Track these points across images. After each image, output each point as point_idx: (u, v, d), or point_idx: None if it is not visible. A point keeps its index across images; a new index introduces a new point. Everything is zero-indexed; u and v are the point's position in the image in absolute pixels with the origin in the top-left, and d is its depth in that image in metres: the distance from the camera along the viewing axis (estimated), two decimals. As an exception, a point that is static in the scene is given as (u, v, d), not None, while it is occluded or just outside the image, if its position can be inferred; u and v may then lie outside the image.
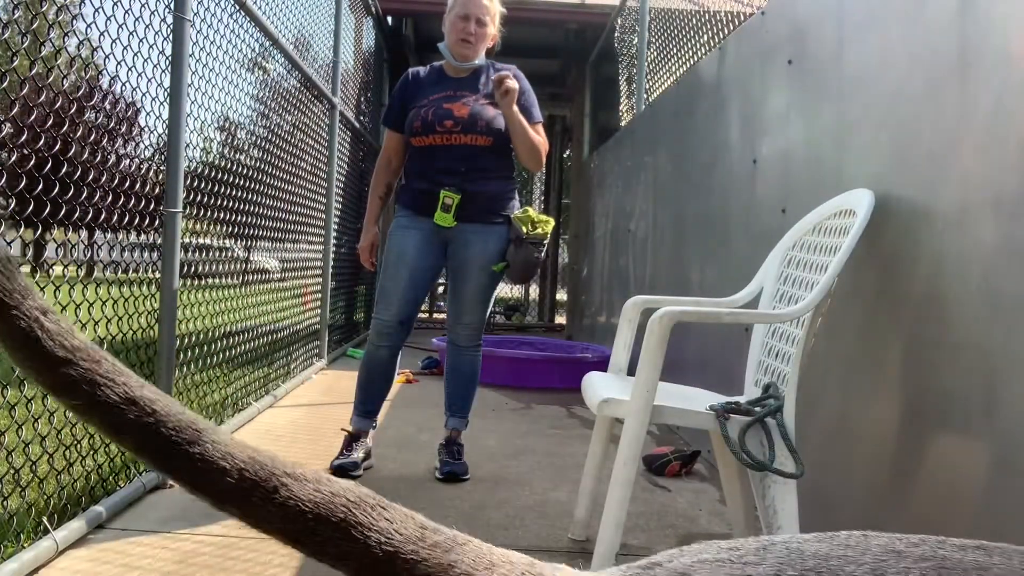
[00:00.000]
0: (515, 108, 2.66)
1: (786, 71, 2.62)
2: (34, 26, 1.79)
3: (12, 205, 1.96)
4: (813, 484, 2.07)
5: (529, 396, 4.58)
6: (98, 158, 2.19)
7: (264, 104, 3.85)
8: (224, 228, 3.29)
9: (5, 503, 1.89)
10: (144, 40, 2.33)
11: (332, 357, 5.52)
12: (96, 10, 2.06)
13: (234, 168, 3.29)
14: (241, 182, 3.37)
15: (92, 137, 2.15)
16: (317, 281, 5.16)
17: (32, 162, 1.84)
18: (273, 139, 3.89)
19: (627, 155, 5.52)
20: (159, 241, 2.49)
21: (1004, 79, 1.52)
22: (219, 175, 3.09)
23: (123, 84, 2.28)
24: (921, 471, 1.70)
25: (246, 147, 3.62)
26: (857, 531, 0.54)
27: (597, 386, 2.00)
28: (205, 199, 2.96)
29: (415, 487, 2.62)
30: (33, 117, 1.82)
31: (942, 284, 1.67)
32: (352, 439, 2.80)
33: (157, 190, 2.52)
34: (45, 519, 1.89)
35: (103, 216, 2.19)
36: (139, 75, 2.32)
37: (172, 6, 2.44)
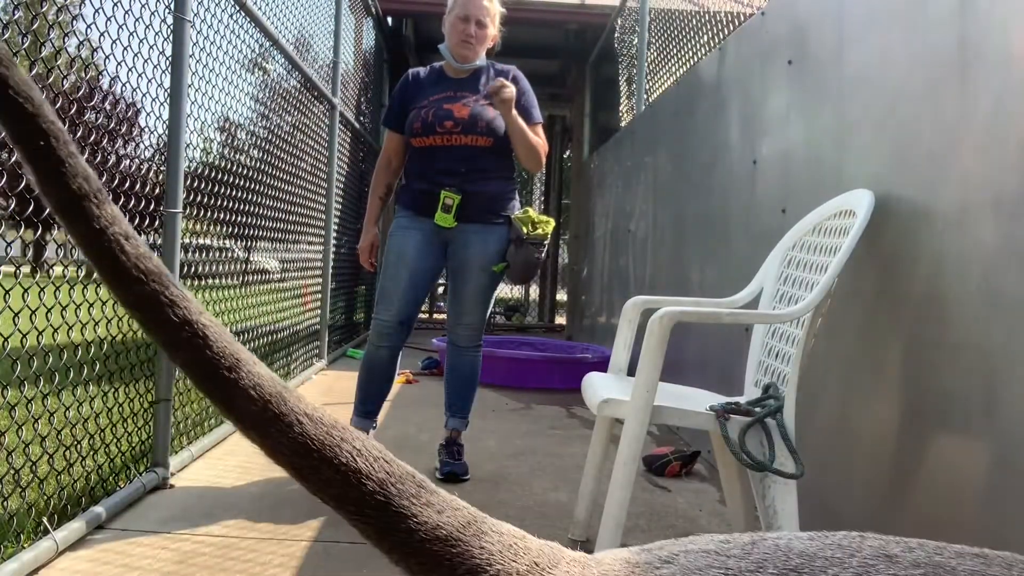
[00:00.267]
0: (514, 113, 2.65)
1: (786, 71, 2.62)
2: (34, 26, 1.79)
3: (12, 205, 1.96)
4: (813, 484, 2.06)
5: (529, 396, 4.58)
6: (98, 159, 2.19)
7: (264, 104, 3.85)
8: (224, 228, 3.29)
9: (5, 503, 1.89)
10: (144, 40, 2.33)
11: (332, 357, 5.52)
12: (96, 10, 2.06)
13: (234, 168, 3.29)
14: (241, 182, 3.37)
15: (92, 138, 2.15)
16: (317, 281, 5.16)
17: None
18: (273, 139, 3.89)
19: (627, 155, 5.52)
20: (159, 241, 2.49)
21: (1004, 79, 1.52)
22: (219, 175, 3.09)
23: (123, 84, 2.28)
24: (921, 471, 1.70)
25: (246, 147, 3.62)
26: (856, 532, 0.53)
27: (597, 386, 2.00)
28: (205, 199, 2.96)
29: (415, 487, 2.62)
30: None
31: (942, 284, 1.67)
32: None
33: (157, 190, 2.52)
34: (45, 519, 1.89)
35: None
36: (139, 75, 2.32)
37: (172, 6, 2.44)
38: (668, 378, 2.08)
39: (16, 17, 1.76)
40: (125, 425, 2.42)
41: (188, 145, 2.55)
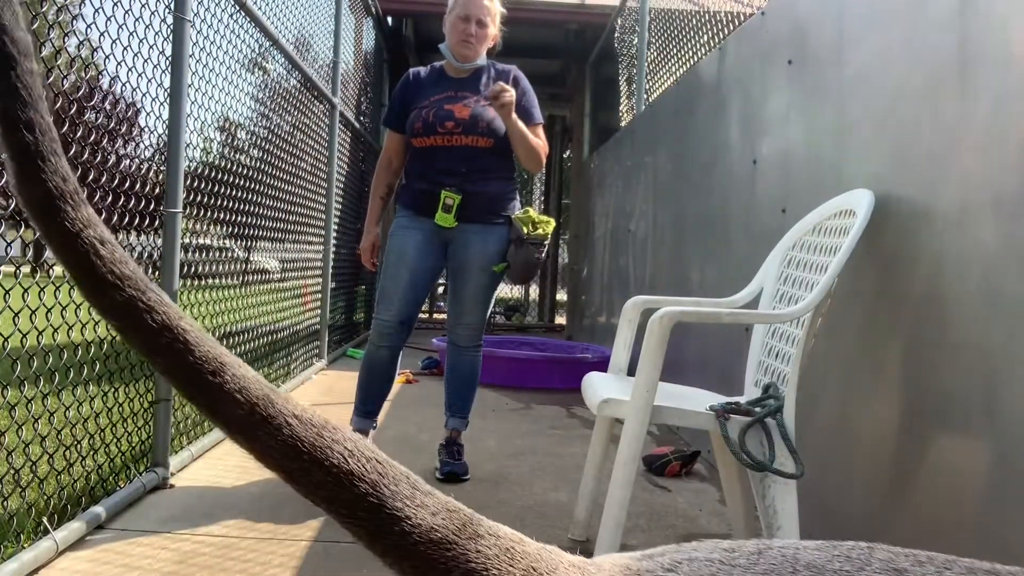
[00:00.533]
0: (514, 116, 2.65)
1: (786, 71, 2.62)
2: (34, 26, 1.79)
3: (12, 205, 1.96)
4: (813, 484, 2.06)
5: (529, 396, 4.58)
6: (98, 158, 2.19)
7: (264, 104, 3.85)
8: (224, 228, 3.29)
9: (5, 503, 1.89)
10: (144, 40, 2.33)
11: (332, 357, 5.52)
12: (96, 10, 2.06)
13: (234, 168, 3.29)
14: (241, 182, 3.37)
15: (92, 137, 2.15)
16: (317, 281, 5.16)
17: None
18: (273, 139, 3.89)
19: (627, 155, 5.52)
20: (159, 242, 2.49)
21: (1004, 79, 1.52)
22: (219, 175, 3.09)
23: (123, 84, 2.28)
24: (921, 471, 1.70)
25: (246, 147, 3.62)
26: (865, 543, 0.52)
27: (597, 386, 2.00)
28: (205, 199, 2.96)
29: (415, 487, 2.62)
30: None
31: (942, 284, 1.67)
32: (353, 438, 2.80)
33: (157, 190, 2.52)
34: (45, 519, 1.89)
35: (103, 216, 2.19)
36: (139, 75, 2.32)
37: (172, 6, 2.44)
38: (668, 378, 2.08)
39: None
40: (125, 425, 2.42)
41: (188, 145, 2.55)
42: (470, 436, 2.94)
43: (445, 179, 2.70)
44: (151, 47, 2.38)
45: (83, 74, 2.08)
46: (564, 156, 11.41)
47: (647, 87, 5.63)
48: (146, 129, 2.52)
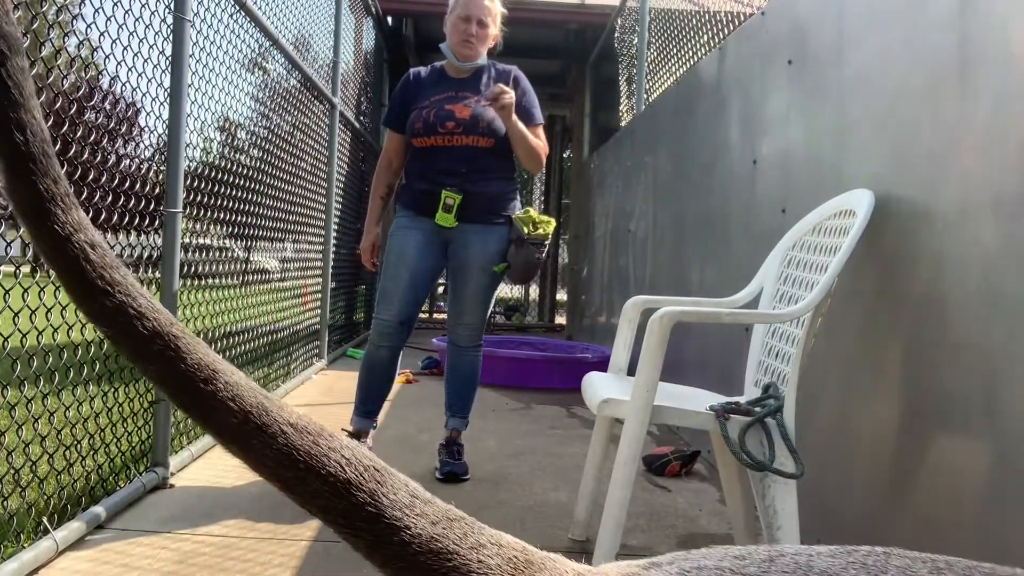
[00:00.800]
0: (514, 118, 2.65)
1: (786, 71, 2.62)
2: (34, 26, 1.79)
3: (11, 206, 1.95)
4: (813, 484, 2.06)
5: (529, 396, 4.58)
6: (98, 158, 2.19)
7: (264, 104, 3.85)
8: (224, 228, 3.29)
9: (5, 503, 1.89)
10: (144, 40, 2.33)
11: (332, 357, 5.52)
12: (96, 10, 2.06)
13: (234, 168, 3.29)
14: (241, 182, 3.37)
15: (92, 137, 2.15)
16: (317, 281, 5.16)
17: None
18: (273, 139, 3.89)
19: (627, 155, 5.52)
20: (159, 242, 2.49)
21: (1004, 79, 1.52)
22: (219, 175, 3.09)
23: (123, 84, 2.28)
24: (921, 471, 1.70)
25: (246, 147, 3.62)
26: (881, 548, 0.50)
27: (597, 386, 2.00)
28: (205, 199, 2.96)
29: (415, 487, 2.62)
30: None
31: (942, 284, 1.67)
32: (352, 439, 2.80)
33: (157, 190, 2.52)
34: (45, 519, 1.89)
35: (103, 216, 2.19)
36: (139, 75, 2.32)
37: (172, 6, 2.44)
38: (668, 378, 2.08)
39: (16, 17, 1.76)
40: (125, 425, 2.41)
41: (188, 145, 2.55)
42: (470, 436, 2.94)
43: (445, 179, 2.70)
44: (151, 47, 2.38)
45: (83, 74, 2.08)
46: (564, 156, 11.41)
47: (647, 87, 5.63)
48: (146, 129, 2.52)
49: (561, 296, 10.82)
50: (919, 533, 1.69)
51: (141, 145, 2.66)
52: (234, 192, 3.25)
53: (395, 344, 2.77)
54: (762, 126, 2.83)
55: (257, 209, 3.62)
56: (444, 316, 6.33)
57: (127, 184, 2.37)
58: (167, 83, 2.46)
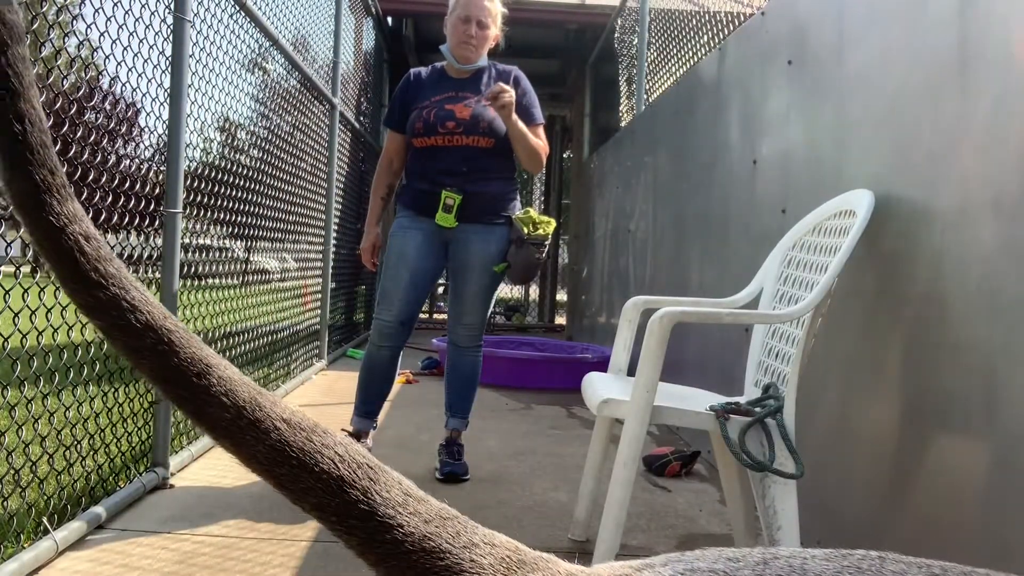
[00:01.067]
0: (514, 117, 2.65)
1: (786, 71, 2.62)
2: (34, 26, 1.79)
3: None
4: (813, 484, 2.06)
5: (529, 396, 4.58)
6: (98, 158, 2.19)
7: (264, 104, 3.85)
8: (224, 228, 3.29)
9: (5, 503, 1.89)
10: (144, 40, 2.33)
11: (332, 358, 5.52)
12: (96, 10, 2.06)
13: (234, 168, 3.29)
14: (241, 182, 3.37)
15: (92, 138, 2.15)
16: (317, 281, 5.16)
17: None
18: (273, 139, 3.89)
19: (627, 155, 5.52)
20: (159, 242, 2.49)
21: (1004, 79, 1.52)
22: (219, 175, 3.09)
23: (123, 84, 2.28)
24: (921, 471, 1.70)
25: (246, 147, 3.62)
26: (876, 552, 0.50)
27: (597, 386, 2.00)
28: (205, 199, 2.96)
29: (415, 487, 2.62)
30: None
31: (942, 284, 1.67)
32: (352, 439, 2.80)
33: (157, 190, 2.52)
34: (45, 519, 1.89)
35: (103, 216, 2.19)
36: (139, 75, 2.32)
37: (172, 6, 2.44)
38: (668, 378, 2.08)
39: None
40: (125, 425, 2.42)
41: (188, 145, 2.55)
42: (470, 436, 2.94)
43: (446, 179, 2.70)
44: (151, 47, 2.38)
45: (83, 74, 2.08)
46: (564, 156, 11.41)
47: (647, 87, 5.63)
48: (146, 129, 2.52)
49: (561, 296, 10.83)
50: (919, 533, 1.69)
51: (141, 145, 2.66)
52: (234, 192, 3.25)
53: (395, 344, 2.77)
54: (762, 126, 2.83)
55: (257, 209, 3.62)
56: (444, 316, 6.34)
57: (127, 184, 2.37)
58: (167, 83, 2.46)
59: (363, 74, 6.68)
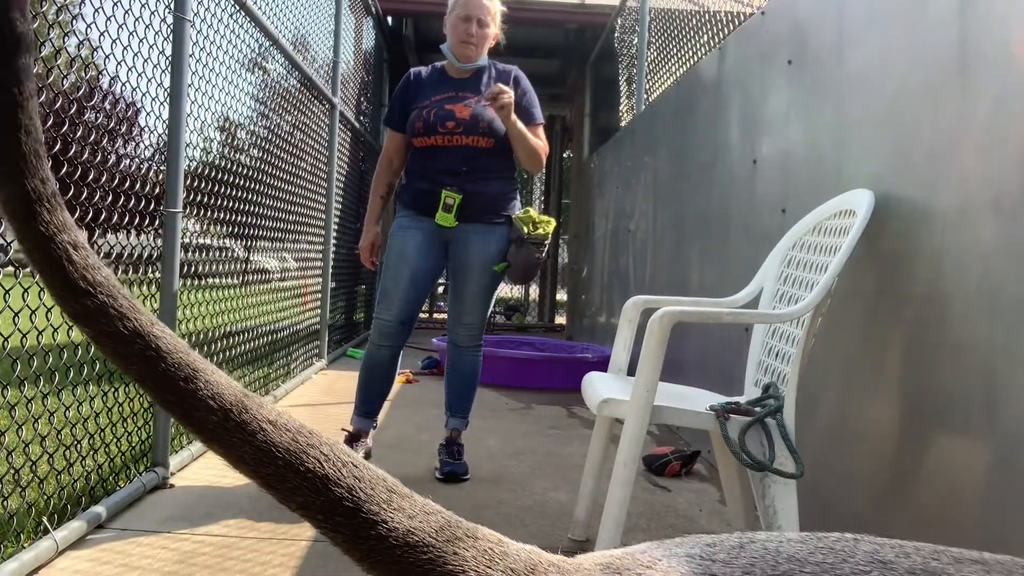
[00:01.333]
0: (513, 117, 2.65)
1: (786, 71, 2.62)
2: (34, 26, 1.79)
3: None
4: (813, 484, 2.06)
5: (529, 396, 4.58)
6: (98, 158, 2.19)
7: (264, 104, 3.85)
8: (224, 228, 3.29)
9: (5, 503, 1.89)
10: (144, 40, 2.33)
11: (332, 357, 5.52)
12: (96, 10, 2.06)
13: (234, 168, 3.29)
14: (241, 182, 3.37)
15: (92, 137, 2.15)
16: (317, 281, 5.16)
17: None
18: (273, 139, 3.89)
19: (627, 155, 5.52)
20: (159, 242, 2.49)
21: (1004, 79, 1.52)
22: (219, 175, 3.09)
23: (123, 84, 2.28)
24: (921, 471, 1.70)
25: (246, 147, 3.62)
26: (851, 534, 0.51)
27: (597, 386, 2.00)
28: (205, 199, 2.96)
29: (415, 487, 2.58)
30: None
31: (942, 284, 1.67)
32: (352, 439, 2.81)
33: (157, 190, 2.52)
34: (45, 519, 1.89)
35: (103, 216, 2.19)
36: (139, 75, 2.32)
37: (172, 6, 2.44)
38: (668, 378, 2.08)
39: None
40: (125, 425, 2.42)
41: (188, 145, 2.55)
42: (470, 436, 2.95)
43: (445, 179, 2.70)
44: (151, 47, 2.38)
45: (83, 74, 2.08)
46: (564, 156, 11.41)
47: (647, 87, 5.63)
48: (146, 129, 2.52)
49: (561, 296, 10.82)
50: (919, 533, 1.69)
51: (141, 145, 2.66)
52: (234, 192, 3.25)
53: (395, 344, 2.77)
54: (762, 126, 2.83)
55: (257, 209, 3.62)
56: (444, 316, 6.33)
57: (127, 184, 2.37)
58: (167, 83, 2.46)
59: (363, 74, 6.68)
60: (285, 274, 4.35)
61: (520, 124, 2.68)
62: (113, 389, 2.37)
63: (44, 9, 1.85)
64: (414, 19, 8.05)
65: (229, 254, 3.42)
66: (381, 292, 2.78)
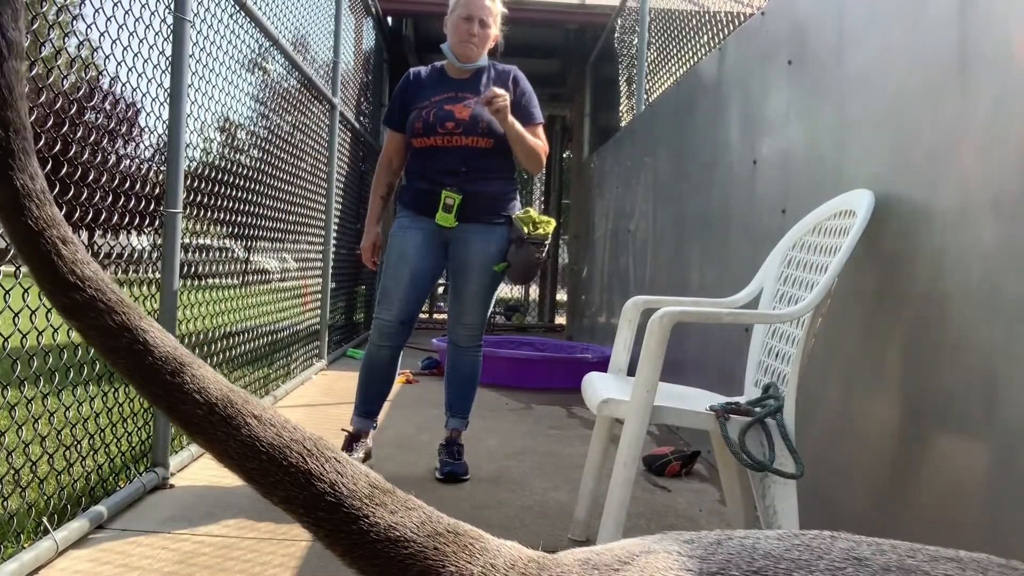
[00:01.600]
0: (511, 120, 2.65)
1: (786, 71, 2.62)
2: (34, 26, 1.79)
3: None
4: (813, 484, 2.06)
5: (529, 396, 4.58)
6: (98, 159, 2.19)
7: (264, 104, 3.85)
8: (224, 228, 3.29)
9: (5, 503, 1.89)
10: (144, 40, 2.33)
11: (332, 357, 5.52)
12: (96, 10, 2.06)
13: (234, 168, 3.29)
14: (241, 182, 3.37)
15: (92, 138, 2.15)
16: (317, 281, 5.16)
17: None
18: (273, 139, 3.89)
19: (627, 155, 5.52)
20: (159, 241, 2.49)
21: (1004, 79, 1.52)
22: (219, 175, 3.09)
23: (123, 84, 2.28)
24: (921, 471, 1.70)
25: (246, 147, 3.62)
26: (828, 532, 0.52)
27: (597, 386, 2.00)
28: (205, 199, 2.96)
29: (415, 487, 2.61)
30: (33, 118, 1.82)
31: (942, 284, 1.67)
32: (352, 439, 2.81)
33: (157, 190, 2.52)
34: (45, 519, 1.89)
35: (103, 216, 2.19)
36: (139, 75, 2.32)
37: (172, 6, 2.44)
38: (668, 378, 2.08)
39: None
40: (125, 425, 2.42)
41: (188, 145, 2.55)
42: (470, 436, 2.95)
43: (445, 179, 2.70)
44: (151, 47, 2.38)
45: (83, 74, 2.08)
46: (564, 156, 11.41)
47: (647, 87, 5.63)
48: (146, 129, 2.52)
49: (561, 296, 10.82)
50: (919, 533, 1.69)
51: (141, 145, 2.66)
52: (234, 192, 3.25)
53: (396, 344, 2.77)
54: (762, 126, 2.83)
55: (257, 209, 3.62)
56: (444, 316, 6.34)
57: (127, 184, 2.37)
58: (167, 83, 2.46)
59: (363, 74, 6.68)
60: (285, 274, 4.36)
61: (518, 126, 2.68)
62: (113, 389, 2.37)
63: (44, 9, 1.85)
64: (414, 19, 8.05)
65: (229, 254, 3.42)
66: (381, 292, 2.78)
